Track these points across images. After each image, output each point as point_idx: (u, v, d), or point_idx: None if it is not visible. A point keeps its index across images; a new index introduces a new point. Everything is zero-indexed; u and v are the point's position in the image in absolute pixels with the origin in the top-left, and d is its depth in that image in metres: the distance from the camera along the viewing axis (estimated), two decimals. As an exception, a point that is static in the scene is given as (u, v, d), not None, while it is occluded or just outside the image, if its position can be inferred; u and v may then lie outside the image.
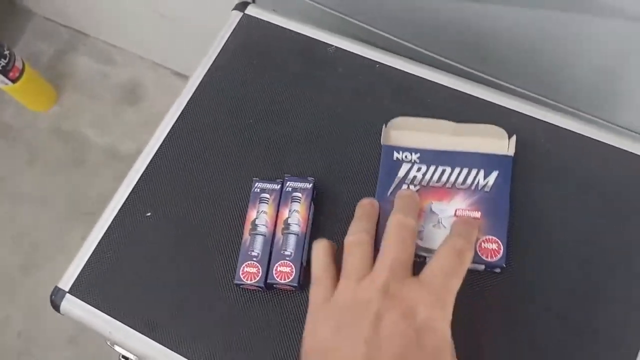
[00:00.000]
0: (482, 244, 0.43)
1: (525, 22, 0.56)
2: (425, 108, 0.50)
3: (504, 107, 0.50)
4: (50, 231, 1.39)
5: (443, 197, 0.45)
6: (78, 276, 0.48)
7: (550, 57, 0.59)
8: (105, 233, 0.49)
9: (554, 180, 0.46)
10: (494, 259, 0.42)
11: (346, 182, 0.48)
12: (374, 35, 0.67)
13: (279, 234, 0.45)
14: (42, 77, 1.47)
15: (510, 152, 0.46)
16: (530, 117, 0.49)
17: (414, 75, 0.52)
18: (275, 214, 0.46)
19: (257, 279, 0.44)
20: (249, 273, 0.44)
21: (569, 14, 0.53)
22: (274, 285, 0.44)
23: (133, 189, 0.50)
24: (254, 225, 0.46)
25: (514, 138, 0.46)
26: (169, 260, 0.47)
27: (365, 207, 0.43)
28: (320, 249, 0.41)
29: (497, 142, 0.46)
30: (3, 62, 1.26)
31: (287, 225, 0.45)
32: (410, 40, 0.66)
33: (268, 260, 0.44)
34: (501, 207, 0.44)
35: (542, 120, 0.49)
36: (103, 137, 1.52)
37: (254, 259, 0.44)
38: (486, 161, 0.45)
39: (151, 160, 0.51)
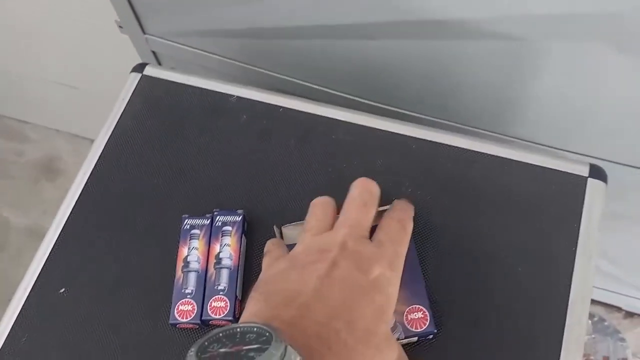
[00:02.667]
0: (408, 315, 0.42)
1: (416, 52, 0.59)
2: (329, 144, 0.51)
3: (405, 135, 0.52)
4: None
5: None
6: (-8, 366, 0.45)
7: (442, 82, 0.62)
8: (18, 316, 0.47)
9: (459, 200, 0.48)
10: (424, 327, 0.41)
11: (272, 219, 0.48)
12: (274, 79, 0.69)
13: (211, 269, 0.45)
14: (-50, 163, 1.41)
15: None
16: (431, 141, 0.51)
17: (316, 115, 0.53)
18: (206, 250, 0.45)
19: (193, 316, 0.43)
20: (184, 311, 0.43)
21: (453, 41, 0.56)
22: (210, 322, 0.44)
23: (44, 265, 0.48)
24: (186, 262, 0.45)
25: None
26: (87, 337, 0.45)
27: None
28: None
29: None
30: None
31: (218, 259, 0.45)
32: (311, 80, 0.68)
33: (202, 296, 0.44)
34: (415, 272, 0.43)
35: (442, 143, 0.51)
36: (23, 217, 1.46)
37: (188, 296, 0.44)
38: None
39: (62, 230, 0.50)
